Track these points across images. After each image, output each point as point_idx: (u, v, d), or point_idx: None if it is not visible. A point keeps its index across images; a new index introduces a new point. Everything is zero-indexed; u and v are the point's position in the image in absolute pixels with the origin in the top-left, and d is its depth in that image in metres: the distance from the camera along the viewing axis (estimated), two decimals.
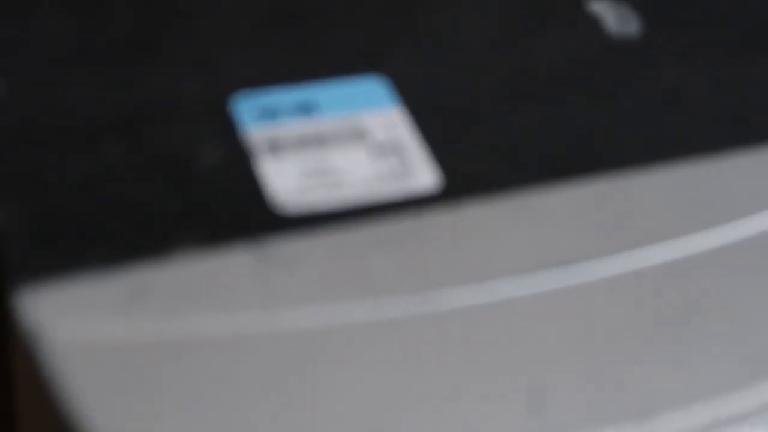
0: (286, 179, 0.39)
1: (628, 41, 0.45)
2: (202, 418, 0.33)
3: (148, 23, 0.42)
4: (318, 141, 0.40)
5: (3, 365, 0.38)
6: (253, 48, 0.43)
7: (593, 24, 0.45)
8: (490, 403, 0.35)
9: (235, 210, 0.38)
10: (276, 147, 0.40)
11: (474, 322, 0.37)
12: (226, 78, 0.42)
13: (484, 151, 0.41)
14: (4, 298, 0.36)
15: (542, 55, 0.44)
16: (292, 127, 0.41)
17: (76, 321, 0.35)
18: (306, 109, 0.41)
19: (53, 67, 0.41)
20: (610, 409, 0.35)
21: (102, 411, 0.33)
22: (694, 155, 0.42)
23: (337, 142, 0.40)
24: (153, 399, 0.34)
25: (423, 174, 0.40)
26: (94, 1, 0.43)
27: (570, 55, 0.44)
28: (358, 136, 0.41)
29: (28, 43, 0.42)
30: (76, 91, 0.41)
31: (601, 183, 0.41)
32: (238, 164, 0.39)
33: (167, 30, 0.42)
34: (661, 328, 0.38)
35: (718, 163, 0.42)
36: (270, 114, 0.41)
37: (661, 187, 0.41)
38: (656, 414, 0.36)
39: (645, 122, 0.43)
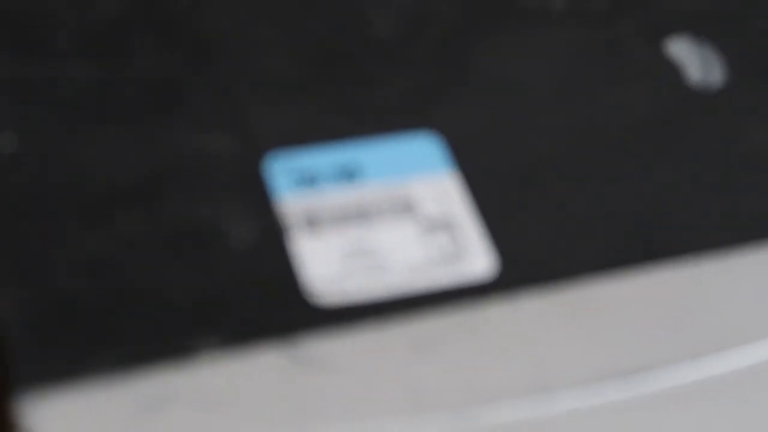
0: (324, 263, 0.35)
1: (710, 93, 0.40)
2: None
3: (173, 71, 0.38)
4: (360, 214, 0.36)
5: None
6: (289, 101, 0.38)
7: (672, 72, 0.41)
8: None
9: (266, 301, 0.34)
10: (314, 221, 0.36)
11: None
12: (258, 136, 0.37)
13: (545, 229, 0.37)
14: (7, 397, 0.32)
15: (613, 111, 0.39)
16: (332, 197, 0.36)
17: None
18: (348, 175, 0.37)
19: (68, 119, 0.37)
20: None
21: None
22: None
23: (381, 215, 0.36)
24: None
25: (477, 257, 0.36)
26: (117, 43, 0.38)
27: (645, 111, 0.40)
28: (405, 208, 0.36)
29: (42, 90, 0.37)
30: (91, 149, 0.36)
31: (674, 272, 0.36)
32: (271, 242, 0.35)
33: (195, 79, 0.38)
34: None
35: None
36: (308, 180, 0.37)
37: (742, 278, 0.36)
38: None
39: (726, 195, 0.38)
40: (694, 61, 0.41)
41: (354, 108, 0.38)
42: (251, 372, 0.33)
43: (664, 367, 0.34)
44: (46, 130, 0.36)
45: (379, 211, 0.36)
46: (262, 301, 0.34)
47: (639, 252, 0.37)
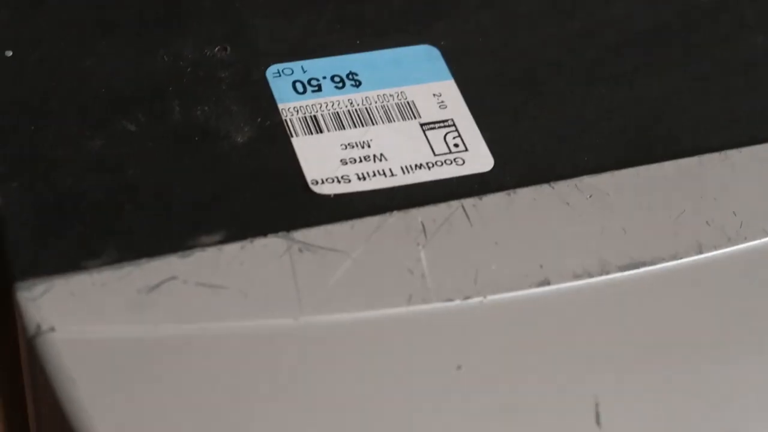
0: (324, 159, 0.35)
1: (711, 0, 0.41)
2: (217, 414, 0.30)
3: None
4: (361, 117, 0.36)
5: (10, 355, 0.35)
6: (291, 15, 0.39)
7: None
8: (535, 406, 0.31)
9: (267, 195, 0.34)
10: (313, 123, 0.36)
11: (525, 320, 0.33)
12: (260, 47, 0.38)
13: (544, 130, 0.37)
14: (8, 290, 0.32)
15: (615, 19, 0.40)
16: (332, 102, 0.37)
17: (80, 319, 0.31)
18: (348, 83, 0.37)
19: (69, 30, 0.37)
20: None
21: (101, 409, 0.30)
22: None
23: (381, 118, 0.36)
24: (165, 409, 0.30)
25: (476, 154, 0.36)
26: None
27: (646, 19, 0.40)
28: (404, 112, 0.37)
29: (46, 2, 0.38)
30: (94, 59, 0.37)
31: (674, 167, 0.36)
32: (273, 142, 0.36)
33: None
34: (744, 333, 0.34)
35: None
36: (308, 87, 0.37)
37: (742, 173, 0.36)
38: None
39: (728, 98, 0.38)
40: None
41: (354, 22, 0.39)
42: (251, 256, 0.33)
43: (661, 257, 0.34)
44: (50, 39, 0.37)
45: (379, 114, 0.37)
46: (263, 195, 0.34)
47: (639, 151, 0.37)
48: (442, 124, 0.37)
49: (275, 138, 0.36)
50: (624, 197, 0.35)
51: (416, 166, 0.35)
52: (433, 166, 0.36)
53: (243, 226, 0.34)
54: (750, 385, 0.32)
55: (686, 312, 0.34)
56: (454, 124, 0.37)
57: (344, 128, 0.36)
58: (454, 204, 0.35)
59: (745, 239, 0.35)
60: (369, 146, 0.36)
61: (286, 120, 0.36)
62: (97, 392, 0.30)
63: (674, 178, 0.36)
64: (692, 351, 0.33)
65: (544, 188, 0.35)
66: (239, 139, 0.36)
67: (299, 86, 0.37)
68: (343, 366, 0.31)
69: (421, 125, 0.36)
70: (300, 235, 0.34)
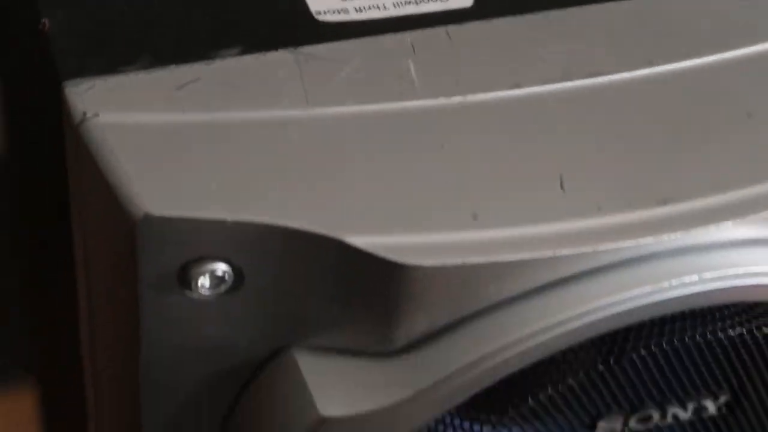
0: None
1: None
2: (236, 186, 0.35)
3: None
4: None
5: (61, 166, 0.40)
6: None
7: None
8: (512, 182, 0.37)
9: (276, 22, 0.40)
10: None
11: (500, 113, 0.38)
12: None
13: None
14: (58, 94, 0.38)
15: None
16: None
17: (120, 108, 0.37)
18: None
19: None
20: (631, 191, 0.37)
21: (141, 176, 0.35)
22: None
23: None
24: (193, 171, 0.36)
25: None
26: None
27: None
28: None
29: None
30: None
31: (633, 6, 0.42)
32: None
33: None
34: (688, 126, 0.39)
35: None
36: None
37: (690, 8, 0.42)
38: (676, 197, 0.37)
39: None
40: None
41: None
42: (265, 63, 0.38)
43: (617, 69, 0.40)
44: None
45: None
46: (273, 22, 0.40)
47: None
48: None
49: None
50: (587, 26, 0.41)
51: (405, 2, 0.41)
52: (420, 2, 0.41)
53: (257, 44, 0.39)
54: (688, 156, 0.38)
55: (639, 110, 0.39)
56: None
57: None
58: (439, 29, 0.40)
59: (691, 57, 0.40)
60: None
61: None
62: (137, 163, 0.36)
63: (633, 14, 0.42)
64: (641, 137, 0.38)
65: (517, 18, 0.41)
66: None
67: None
68: (343, 147, 0.37)
69: None
70: (307, 49, 0.39)
